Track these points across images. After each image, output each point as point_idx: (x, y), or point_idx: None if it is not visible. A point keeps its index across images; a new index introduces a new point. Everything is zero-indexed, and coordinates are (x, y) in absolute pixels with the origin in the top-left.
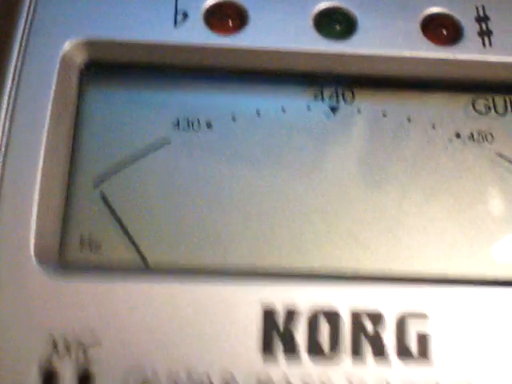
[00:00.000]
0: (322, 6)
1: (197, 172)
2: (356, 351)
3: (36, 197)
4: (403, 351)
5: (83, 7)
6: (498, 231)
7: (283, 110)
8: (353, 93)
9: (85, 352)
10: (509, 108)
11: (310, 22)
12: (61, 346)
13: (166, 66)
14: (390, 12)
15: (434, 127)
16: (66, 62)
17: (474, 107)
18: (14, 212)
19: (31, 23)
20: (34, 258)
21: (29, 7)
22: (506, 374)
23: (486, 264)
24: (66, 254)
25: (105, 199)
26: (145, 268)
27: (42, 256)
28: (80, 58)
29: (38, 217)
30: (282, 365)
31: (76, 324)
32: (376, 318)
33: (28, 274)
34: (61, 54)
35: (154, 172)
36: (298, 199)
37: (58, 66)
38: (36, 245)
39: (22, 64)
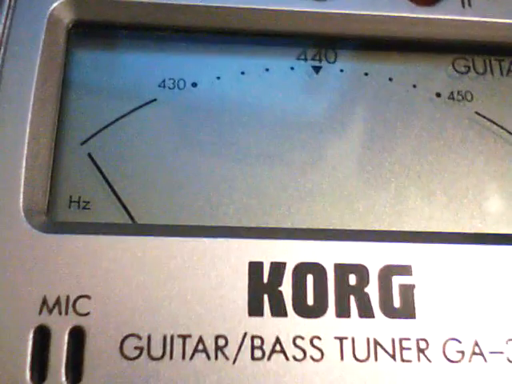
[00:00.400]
0: None
1: (182, 129)
2: (340, 304)
3: (24, 155)
4: (386, 304)
5: None
6: (479, 188)
7: (267, 70)
8: (335, 53)
9: (75, 307)
10: (488, 68)
11: None
12: (51, 302)
13: (152, 26)
14: None
15: (414, 87)
16: (53, 21)
17: (454, 67)
18: (3, 170)
19: None
20: (22, 215)
21: None
22: (487, 327)
23: (468, 221)
24: (54, 212)
25: (92, 157)
26: (133, 223)
27: (30, 213)
28: (67, 17)
29: (26, 175)
30: (268, 319)
31: (65, 279)
32: (360, 271)
33: (17, 230)
34: (48, 13)
35: (140, 130)
36: (281, 156)
37: (45, 25)
38: (25, 202)
39: (11, 23)
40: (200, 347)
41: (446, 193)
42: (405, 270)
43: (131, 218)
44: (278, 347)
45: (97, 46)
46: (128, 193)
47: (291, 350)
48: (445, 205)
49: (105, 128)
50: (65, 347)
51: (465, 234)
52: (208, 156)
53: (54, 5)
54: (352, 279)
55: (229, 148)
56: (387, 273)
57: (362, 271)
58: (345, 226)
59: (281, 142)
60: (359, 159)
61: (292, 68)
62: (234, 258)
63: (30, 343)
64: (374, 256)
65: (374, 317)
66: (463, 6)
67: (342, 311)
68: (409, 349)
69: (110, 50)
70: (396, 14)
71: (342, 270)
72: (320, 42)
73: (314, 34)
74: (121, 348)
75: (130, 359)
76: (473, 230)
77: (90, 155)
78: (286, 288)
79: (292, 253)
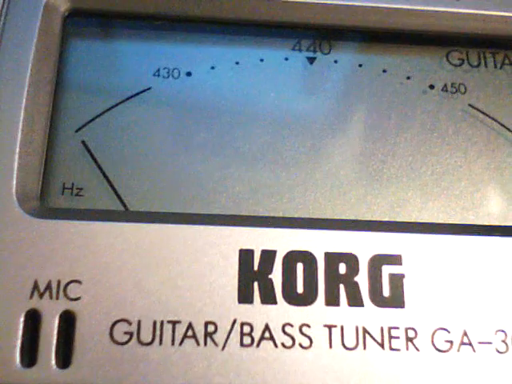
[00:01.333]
0: None
1: (176, 118)
2: (329, 292)
3: (18, 141)
4: (376, 293)
5: None
6: (471, 180)
7: (261, 60)
8: (330, 44)
9: (65, 291)
10: (482, 61)
11: None
12: (42, 286)
13: (147, 15)
14: None
15: (408, 78)
16: (49, 9)
17: (448, 59)
18: None
19: None
20: (15, 200)
21: None
22: (477, 317)
23: (459, 212)
24: (47, 198)
25: (86, 145)
26: (126, 210)
27: (23, 198)
28: (63, 6)
29: (19, 161)
30: (258, 306)
31: (57, 264)
32: (350, 260)
33: (10, 215)
34: (44, 1)
35: (135, 118)
36: (274, 147)
37: (41, 13)
38: (18, 188)
39: (7, 11)
40: (189, 333)
41: (439, 184)
42: (395, 260)
43: (124, 205)
44: (267, 334)
45: (92, 34)
46: (121, 180)
47: (280, 338)
48: (437, 196)
49: (99, 116)
50: (55, 331)
51: (455, 224)
52: (201, 145)
53: None
54: (342, 268)
55: (222, 138)
56: (377, 262)
57: (351, 260)
58: (337, 215)
59: (274, 132)
60: (352, 150)
61: (286, 59)
62: (224, 245)
63: (21, 327)
64: (364, 245)
65: (363, 305)
66: None
67: (332, 299)
68: (397, 337)
69: (106, 38)
70: (391, 6)
71: (332, 258)
72: (315, 33)
73: (309, 25)
74: (111, 333)
75: (120, 344)
76: (464, 222)
77: (83, 142)
78: (276, 276)
79: (282, 241)
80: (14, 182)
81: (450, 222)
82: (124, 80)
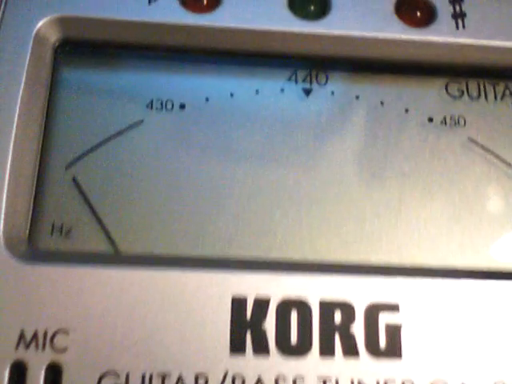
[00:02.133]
0: None
1: (169, 154)
2: (324, 342)
3: (6, 179)
4: (372, 343)
5: None
6: (470, 219)
7: (257, 92)
8: (326, 75)
9: (52, 342)
10: (482, 92)
11: (284, 1)
12: (28, 336)
13: (140, 45)
14: None
15: (406, 111)
16: (39, 39)
17: (447, 91)
18: None
19: (6, 1)
20: (2, 244)
21: None
22: (475, 368)
23: (458, 254)
24: (35, 239)
25: (76, 183)
26: (116, 253)
27: (11, 241)
28: (54, 36)
29: (7, 201)
30: (250, 357)
31: (44, 312)
32: (345, 308)
33: None
34: (34, 31)
35: (127, 154)
36: (269, 186)
37: (31, 43)
38: (5, 229)
39: None
40: None
41: (437, 223)
42: (392, 308)
43: (114, 246)
44: None
45: (84, 65)
46: (112, 219)
47: None
48: (434, 236)
49: (90, 151)
50: None
51: (454, 268)
52: (195, 182)
53: (41, 23)
54: (337, 317)
55: (216, 174)
56: (374, 310)
57: (347, 308)
58: (332, 257)
59: (269, 168)
60: (348, 187)
61: (282, 90)
62: (217, 292)
63: (6, 379)
64: (360, 292)
65: (358, 357)
66: (457, 28)
67: (327, 350)
68: None
69: (97, 69)
70: (388, 36)
71: (328, 306)
72: (311, 64)
73: (305, 56)
74: None
75: None
76: (463, 264)
77: (74, 179)
78: (270, 325)
79: (277, 287)
80: (2, 224)
81: (449, 264)
82: (116, 112)
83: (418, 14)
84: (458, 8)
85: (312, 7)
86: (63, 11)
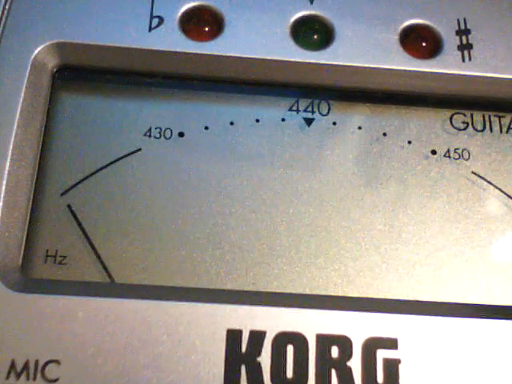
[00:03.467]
0: (300, 14)
1: (166, 184)
2: (321, 378)
3: (0, 208)
4: (370, 379)
5: (57, 11)
6: (472, 255)
7: (257, 121)
8: (329, 105)
9: (43, 372)
10: (487, 125)
11: (287, 31)
12: (19, 366)
13: (139, 73)
14: (368, 22)
15: (409, 143)
16: (37, 65)
17: (451, 123)
18: None
19: (4, 26)
20: None
21: (2, 10)
22: None
23: (460, 290)
24: (28, 267)
25: (71, 209)
26: (110, 283)
27: (3, 270)
28: (52, 62)
29: (1, 229)
30: None
31: (35, 342)
32: (342, 343)
33: None
34: (32, 56)
35: (123, 182)
36: (267, 218)
37: (29, 69)
38: None
39: None
40: None
41: (438, 258)
42: (390, 343)
43: (108, 274)
44: None
45: (82, 91)
46: (107, 248)
47: None
48: (436, 272)
49: (86, 178)
50: None
51: (455, 305)
52: (193, 213)
53: (39, 49)
54: (334, 351)
55: (214, 204)
56: (371, 346)
57: (344, 343)
58: (329, 291)
59: (267, 199)
60: (348, 220)
61: (283, 119)
62: (212, 324)
63: None
64: (358, 327)
65: None
66: (463, 60)
67: None
68: None
69: (95, 96)
70: (393, 67)
71: (325, 341)
72: (313, 93)
73: (307, 85)
74: None
75: None
76: (466, 301)
77: (69, 207)
78: (265, 359)
79: (272, 321)
80: None
81: (450, 301)
82: (113, 140)
83: (424, 44)
84: (464, 39)
85: (315, 36)
86: (62, 37)
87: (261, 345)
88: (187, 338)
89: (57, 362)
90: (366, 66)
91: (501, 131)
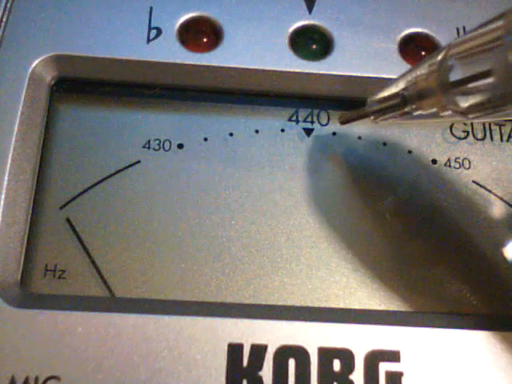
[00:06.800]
0: (299, 24)
1: (166, 196)
2: None
3: None
4: None
5: (54, 23)
6: (474, 266)
7: (257, 132)
8: (328, 115)
9: None
10: (487, 133)
11: (286, 41)
12: (19, 382)
13: (138, 84)
14: (367, 32)
15: (410, 152)
16: (35, 78)
17: (451, 132)
18: None
19: (1, 39)
20: None
21: (0, 23)
22: None
23: (463, 300)
24: (28, 282)
25: (70, 223)
26: (109, 297)
27: (2, 285)
28: (50, 75)
29: (0, 241)
30: None
31: (35, 358)
32: (345, 356)
33: None
34: (30, 69)
35: (122, 195)
36: (267, 231)
37: (26, 81)
38: None
39: None
40: None
41: (439, 269)
42: (392, 356)
43: (108, 288)
44: None
45: (80, 104)
46: (106, 261)
47: None
48: (436, 283)
49: (85, 191)
50: None
51: (457, 316)
52: (193, 226)
53: (36, 62)
54: (336, 365)
55: (214, 216)
56: (374, 358)
57: (347, 356)
58: (331, 303)
59: (268, 209)
60: (349, 231)
61: (283, 130)
62: (213, 338)
63: None
64: (360, 339)
65: None
66: None
67: None
68: None
69: (94, 108)
70: (392, 77)
71: (327, 354)
72: (313, 104)
73: (307, 95)
74: None
75: None
76: (468, 311)
77: (68, 220)
78: (267, 373)
79: (274, 334)
80: None
81: (453, 312)
82: (112, 152)
83: (423, 53)
84: None
85: (314, 46)
86: (59, 50)
87: (262, 359)
88: (188, 352)
89: (57, 378)
90: (366, 75)
91: (501, 140)
